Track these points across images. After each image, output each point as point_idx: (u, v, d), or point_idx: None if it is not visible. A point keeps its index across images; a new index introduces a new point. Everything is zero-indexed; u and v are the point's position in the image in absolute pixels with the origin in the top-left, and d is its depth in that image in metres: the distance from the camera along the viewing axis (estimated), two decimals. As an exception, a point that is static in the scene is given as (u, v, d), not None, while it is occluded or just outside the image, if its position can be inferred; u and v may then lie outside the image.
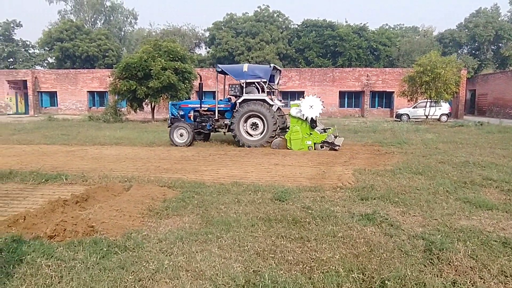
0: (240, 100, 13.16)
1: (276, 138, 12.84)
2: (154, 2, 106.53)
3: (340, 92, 36.26)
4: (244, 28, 46.74)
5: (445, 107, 28.47)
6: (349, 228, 4.70)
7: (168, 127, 13.99)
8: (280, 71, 14.91)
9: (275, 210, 5.43)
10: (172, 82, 24.39)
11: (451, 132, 18.04)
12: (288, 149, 12.23)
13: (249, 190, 6.59)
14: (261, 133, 13.00)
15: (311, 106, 12.22)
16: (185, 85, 26.07)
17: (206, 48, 52.66)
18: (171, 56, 25.44)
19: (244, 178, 7.80)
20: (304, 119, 12.29)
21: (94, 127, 20.81)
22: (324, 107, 12.80)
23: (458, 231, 4.59)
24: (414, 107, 28.98)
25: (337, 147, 11.99)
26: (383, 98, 36.45)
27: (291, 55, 47.28)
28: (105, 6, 58.04)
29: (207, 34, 50.57)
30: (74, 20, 50.99)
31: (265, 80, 13.19)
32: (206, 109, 14.07)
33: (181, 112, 14.38)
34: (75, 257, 3.82)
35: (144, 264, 3.68)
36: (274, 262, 3.76)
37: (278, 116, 13.24)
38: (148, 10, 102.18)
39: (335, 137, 13.34)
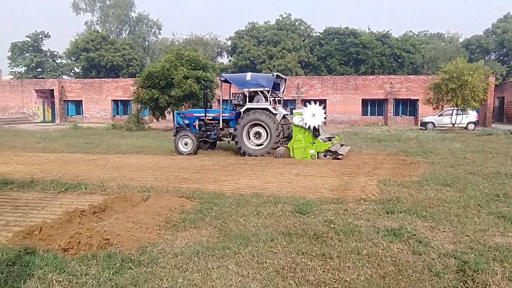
0: (243, 109, 13.12)
1: (279, 147, 12.67)
2: (178, 12, 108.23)
3: (363, 100, 35.71)
4: (266, 37, 46.73)
5: (472, 115, 27.63)
6: (374, 244, 4.44)
7: (174, 136, 14.07)
8: (285, 79, 14.88)
9: (295, 223, 5.21)
10: (194, 90, 24.47)
11: (480, 141, 17.39)
12: (291, 158, 12.09)
13: (269, 202, 6.39)
14: (264, 142, 12.89)
15: (313, 115, 12.09)
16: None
17: (228, 57, 52.89)
18: (193, 65, 25.59)
19: (264, 189, 7.60)
20: (307, 127, 12.14)
21: (117, 136, 21.01)
22: (326, 115, 12.57)
23: (493, 250, 4.27)
24: (439, 115, 28.22)
25: (340, 156, 11.81)
26: (407, 106, 35.70)
27: (313, 63, 46.96)
28: (131, 17, 59.21)
29: (229, 43, 50.79)
30: (100, 31, 52.08)
31: (268, 88, 13.13)
32: (211, 118, 14.12)
33: (187, 121, 14.46)
34: (87, 272, 3.69)
35: (157, 282, 3.53)
36: (294, 282, 3.54)
37: (284, 124, 13.17)
38: (172, 20, 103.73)
39: (342, 145, 13.21)
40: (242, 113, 13.17)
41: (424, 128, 28.31)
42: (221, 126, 13.79)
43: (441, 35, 56.84)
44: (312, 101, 12.78)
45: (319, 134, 12.26)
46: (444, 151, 13.55)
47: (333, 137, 13.29)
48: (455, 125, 25.82)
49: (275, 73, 13.62)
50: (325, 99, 35.70)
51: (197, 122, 14.25)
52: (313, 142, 12.10)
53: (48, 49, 51.77)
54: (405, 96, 34.96)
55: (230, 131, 13.57)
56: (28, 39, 49.47)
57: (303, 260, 4.02)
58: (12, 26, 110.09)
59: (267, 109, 12.85)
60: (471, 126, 27.59)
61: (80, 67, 49.17)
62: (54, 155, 13.01)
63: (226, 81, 14.09)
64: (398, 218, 5.53)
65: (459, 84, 23.26)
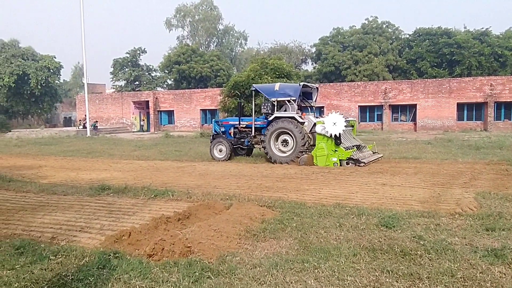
0: (271, 118, 13.47)
1: (304, 154, 12.81)
2: (263, 21, 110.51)
3: (458, 104, 33.11)
4: (351, 42, 45.62)
5: None
6: (471, 266, 3.99)
7: (210, 142, 14.84)
8: (316, 88, 15.08)
9: (380, 238, 4.90)
10: (278, 98, 24.65)
11: None
12: (315, 165, 12.20)
13: (352, 214, 6.11)
14: (291, 150, 13.12)
15: (334, 123, 12.11)
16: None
17: (312, 64, 52.65)
18: (277, 73, 25.85)
19: (347, 199, 7.32)
20: (329, 136, 12.13)
21: (204, 144, 21.82)
22: (346, 124, 12.68)
23: None
24: (551, 119, 25.17)
25: (362, 164, 11.79)
26: (511, 110, 32.36)
27: (402, 67, 44.76)
28: (218, 29, 61.85)
29: (313, 49, 50.49)
30: (190, 44, 55.05)
31: (294, 98, 13.46)
32: (244, 126, 14.73)
33: (223, 129, 15.19)
34: (169, 278, 3.80)
35: (234, 293, 3.50)
36: (378, 303, 3.29)
37: (314, 132, 13.13)
38: (257, 29, 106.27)
39: (374, 153, 13.47)
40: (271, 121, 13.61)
41: (531, 133, 25.44)
42: (253, 134, 14.31)
43: (552, 28, 50.80)
44: (333, 110, 13.08)
45: (341, 142, 12.27)
46: (557, 160, 11.97)
47: (360, 144, 13.39)
48: None
49: (301, 83, 13.98)
50: (415, 104, 33.80)
51: (232, 130, 14.97)
52: (335, 150, 12.16)
53: (145, 63, 55.97)
54: (508, 98, 31.74)
55: (262, 139, 13.91)
56: (128, 55, 53.93)
57: (387, 279, 3.73)
58: (115, 45, 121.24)
59: (293, 118, 13.13)
60: None
61: (172, 79, 52.35)
62: (147, 163, 13.89)
63: (256, 91, 14.75)
64: (500, 236, 4.93)
65: None
